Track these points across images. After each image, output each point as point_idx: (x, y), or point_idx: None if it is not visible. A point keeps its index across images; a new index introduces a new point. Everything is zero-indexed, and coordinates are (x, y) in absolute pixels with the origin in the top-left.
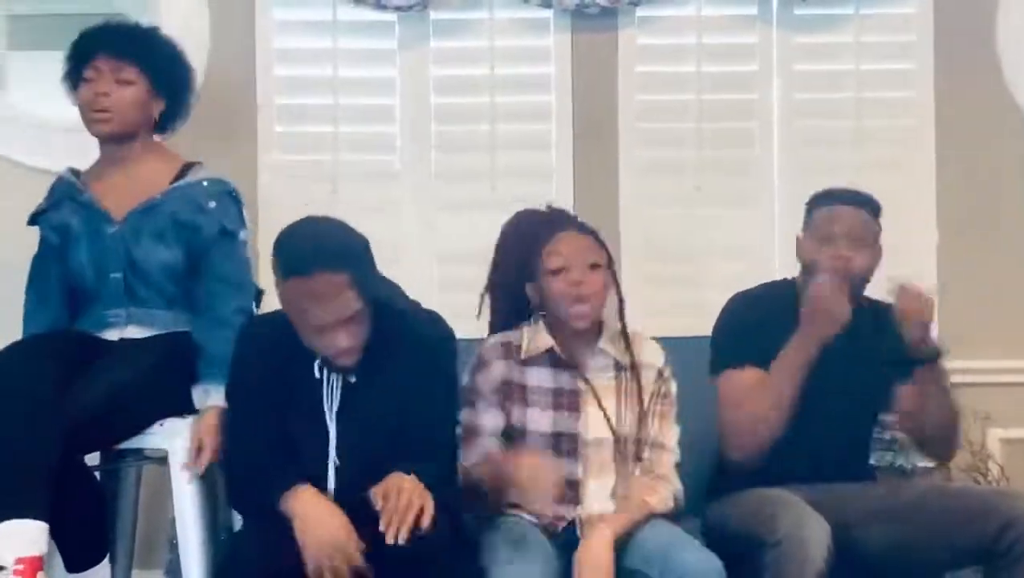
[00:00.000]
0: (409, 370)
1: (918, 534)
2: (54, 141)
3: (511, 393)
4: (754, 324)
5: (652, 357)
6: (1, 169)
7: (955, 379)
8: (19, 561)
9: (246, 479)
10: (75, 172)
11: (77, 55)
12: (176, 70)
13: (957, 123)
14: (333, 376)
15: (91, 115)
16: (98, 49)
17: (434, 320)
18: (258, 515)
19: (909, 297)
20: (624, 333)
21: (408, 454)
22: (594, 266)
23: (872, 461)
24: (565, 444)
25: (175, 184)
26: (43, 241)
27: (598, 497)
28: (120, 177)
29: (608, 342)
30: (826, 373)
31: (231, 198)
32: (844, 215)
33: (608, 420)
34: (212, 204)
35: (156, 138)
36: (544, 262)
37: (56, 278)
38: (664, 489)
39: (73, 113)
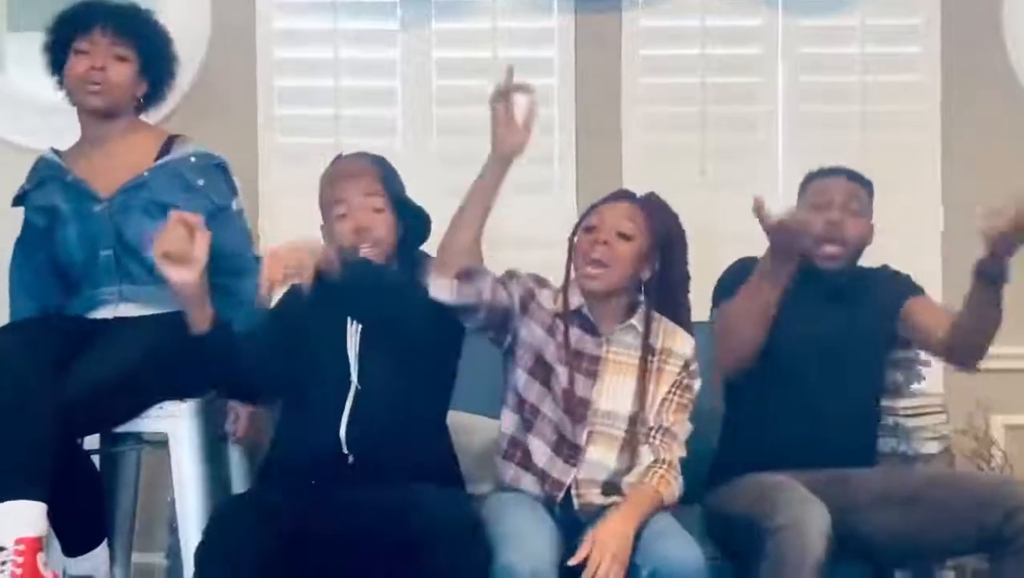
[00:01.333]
0: (425, 319)
1: (921, 521)
2: (53, 123)
3: (537, 315)
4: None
5: (682, 347)
6: (0, 151)
7: None
8: (19, 541)
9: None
10: (57, 152)
11: (71, 26)
12: (165, 56)
13: (963, 107)
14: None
15: (86, 88)
16: (96, 22)
17: None
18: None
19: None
20: (648, 315)
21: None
22: (623, 236)
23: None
24: (577, 406)
25: (161, 161)
26: (27, 224)
27: (596, 468)
28: (104, 155)
29: (640, 320)
30: (824, 354)
31: (219, 170)
32: (837, 185)
33: (640, 396)
34: (200, 182)
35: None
36: (584, 219)
37: (42, 260)
38: (675, 482)
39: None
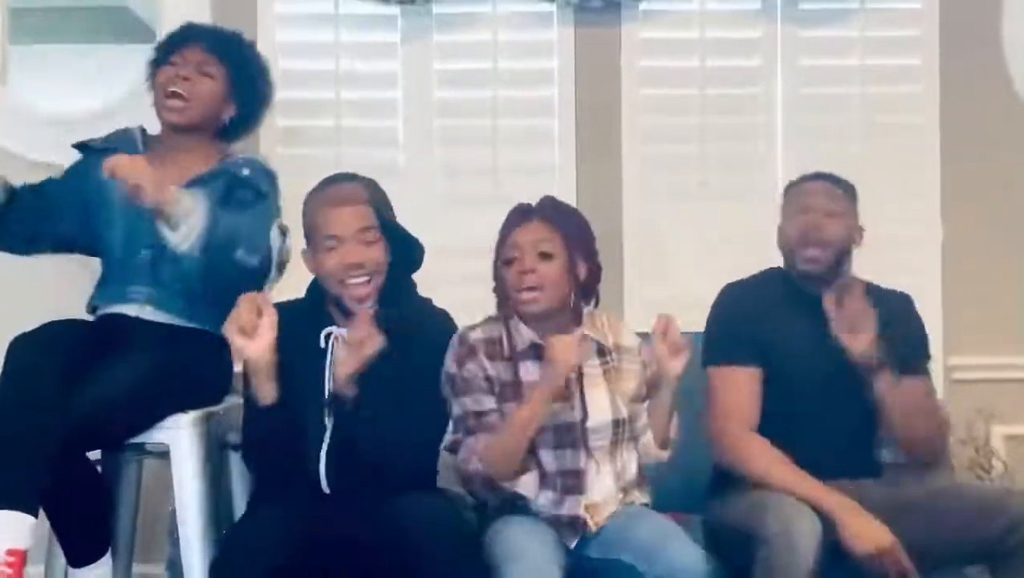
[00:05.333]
0: (413, 357)
1: (923, 532)
2: (55, 135)
3: (504, 392)
4: (747, 317)
5: (629, 340)
6: (2, 162)
7: (960, 376)
8: (10, 552)
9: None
10: (144, 133)
11: (170, 43)
12: (258, 81)
13: (962, 118)
14: (337, 348)
15: (164, 101)
16: (191, 40)
17: (445, 318)
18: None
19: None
20: (593, 316)
21: (403, 440)
22: (545, 255)
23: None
24: (566, 434)
25: (211, 168)
26: (78, 167)
27: (601, 485)
28: (167, 161)
29: (590, 327)
30: (827, 367)
31: (265, 171)
32: (814, 188)
33: (613, 404)
34: (246, 172)
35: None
36: (499, 254)
37: (61, 202)
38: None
39: (74, 107)
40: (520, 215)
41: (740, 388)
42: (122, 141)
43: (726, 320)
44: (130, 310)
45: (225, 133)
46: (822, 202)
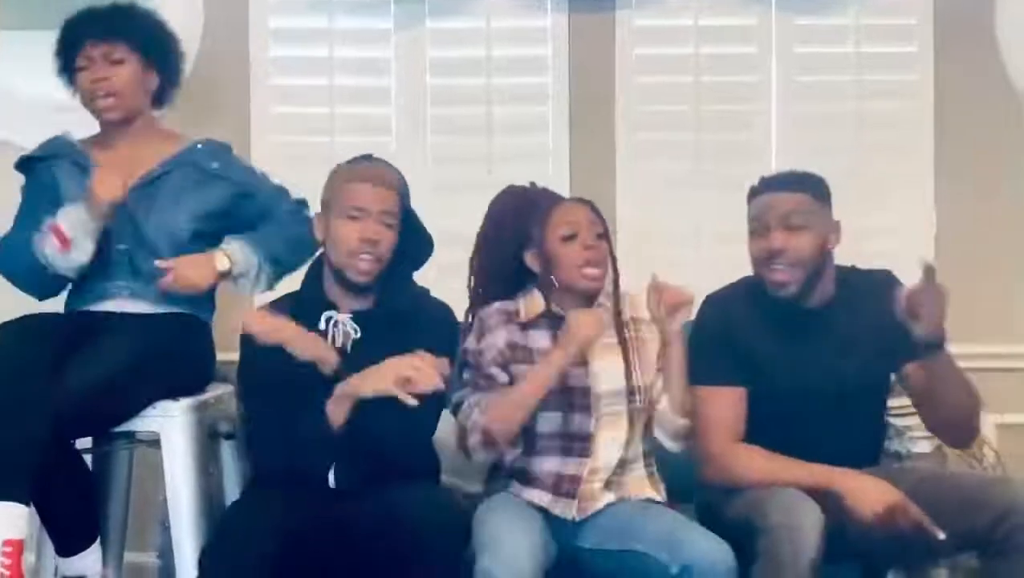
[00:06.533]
0: (411, 343)
1: None
2: (47, 120)
3: (516, 355)
4: (730, 333)
5: (644, 313)
6: None
7: None
8: (7, 543)
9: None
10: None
11: (65, 46)
12: (163, 39)
13: (956, 106)
14: (337, 331)
15: (96, 103)
16: (84, 36)
17: (443, 309)
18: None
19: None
20: (616, 290)
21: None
22: (599, 235)
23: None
24: (577, 398)
25: (170, 155)
26: (31, 190)
27: (609, 450)
28: (123, 153)
29: (605, 298)
30: (815, 377)
31: (227, 150)
32: (774, 202)
33: (630, 369)
34: (215, 164)
35: (155, 113)
36: (552, 230)
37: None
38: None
39: (63, 93)
40: (552, 195)
41: (724, 407)
42: (62, 148)
43: (708, 338)
44: (112, 306)
45: (157, 100)
46: (782, 218)
